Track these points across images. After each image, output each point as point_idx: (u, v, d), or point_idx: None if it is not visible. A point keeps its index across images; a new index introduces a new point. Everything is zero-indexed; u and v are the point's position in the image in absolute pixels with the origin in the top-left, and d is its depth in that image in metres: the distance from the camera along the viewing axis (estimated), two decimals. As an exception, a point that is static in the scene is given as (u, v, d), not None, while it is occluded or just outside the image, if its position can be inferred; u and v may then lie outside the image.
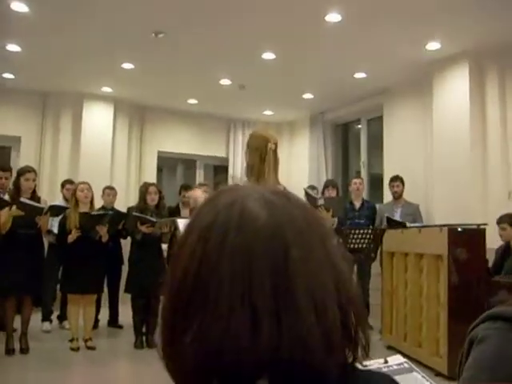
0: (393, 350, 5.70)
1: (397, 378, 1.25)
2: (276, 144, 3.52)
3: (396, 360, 1.51)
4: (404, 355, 4.32)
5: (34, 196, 5.69)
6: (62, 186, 7.22)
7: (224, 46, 6.70)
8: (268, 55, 6.98)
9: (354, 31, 6.14)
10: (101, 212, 6.07)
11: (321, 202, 5.91)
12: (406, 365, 1.50)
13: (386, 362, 1.47)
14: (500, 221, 5.56)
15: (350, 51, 6.77)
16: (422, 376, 1.48)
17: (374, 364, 1.35)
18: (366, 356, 0.81)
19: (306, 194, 6.40)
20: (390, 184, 7.26)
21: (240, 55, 7.04)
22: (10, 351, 5.47)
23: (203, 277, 0.70)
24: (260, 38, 6.45)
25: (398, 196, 7.16)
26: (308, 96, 8.83)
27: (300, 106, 9.41)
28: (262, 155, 3.45)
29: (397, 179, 7.19)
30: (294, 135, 10.48)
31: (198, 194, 5.52)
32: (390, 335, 5.96)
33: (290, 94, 8.72)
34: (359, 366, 0.78)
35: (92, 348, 5.79)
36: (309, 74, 7.72)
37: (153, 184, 6.51)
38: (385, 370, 1.41)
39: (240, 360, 0.67)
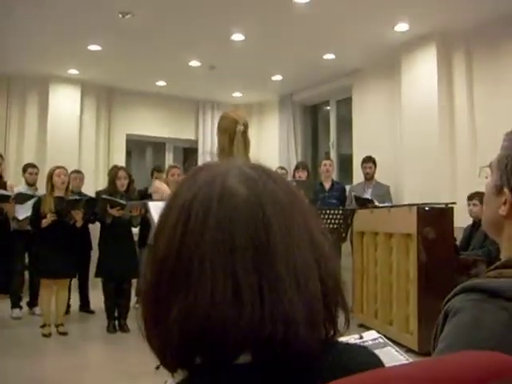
0: (364, 327, 5.78)
1: (371, 352, 1.28)
2: (246, 125, 3.50)
3: (371, 335, 1.55)
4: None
5: (1, 181, 5.61)
6: (24, 170, 7.06)
7: (193, 27, 6.63)
8: (237, 36, 6.94)
9: (322, 13, 6.13)
10: (76, 197, 5.98)
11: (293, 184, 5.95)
12: (380, 340, 1.53)
13: (361, 337, 1.50)
14: (471, 197, 5.62)
15: (318, 33, 6.76)
16: (396, 350, 1.51)
17: (349, 339, 1.37)
18: (347, 328, 0.82)
19: None
20: (362, 165, 7.32)
21: (209, 36, 6.97)
22: (-21, 338, 5.41)
23: (186, 252, 0.70)
24: (229, 19, 6.40)
25: (369, 177, 7.24)
26: (277, 78, 8.82)
27: (269, 87, 9.40)
28: (231, 136, 3.44)
29: (369, 160, 7.26)
30: (264, 117, 10.47)
31: (165, 188, 5.50)
32: (361, 313, 6.04)
33: (259, 75, 8.70)
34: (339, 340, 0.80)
35: (64, 333, 5.75)
36: (278, 55, 7.69)
37: (122, 168, 6.45)
38: (360, 345, 1.44)
39: (223, 334, 0.67)
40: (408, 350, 4.84)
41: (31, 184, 6.92)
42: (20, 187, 6.82)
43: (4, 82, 8.83)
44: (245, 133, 3.49)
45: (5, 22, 6.47)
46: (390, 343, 1.52)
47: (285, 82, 9.05)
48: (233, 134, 3.44)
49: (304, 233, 0.75)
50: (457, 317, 1.01)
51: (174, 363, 0.74)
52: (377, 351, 1.03)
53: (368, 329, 4.91)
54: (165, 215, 0.76)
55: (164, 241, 0.74)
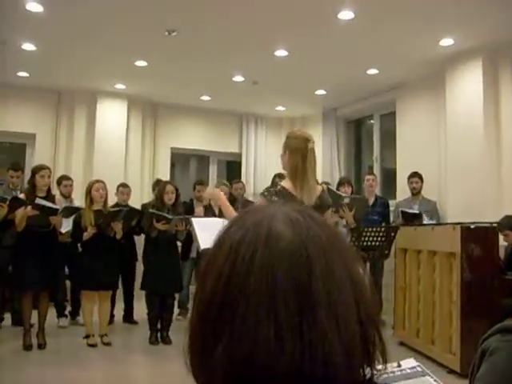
0: (405, 346, 5.72)
1: (409, 381, 1.29)
2: (314, 143, 3.57)
3: (409, 363, 1.54)
4: (416, 352, 4.40)
5: (49, 194, 5.76)
6: (59, 183, 7.19)
7: (237, 43, 6.73)
8: (281, 52, 7.00)
9: (366, 28, 6.14)
10: (115, 209, 6.11)
11: (346, 200, 5.89)
12: (418, 368, 1.53)
13: (399, 365, 1.50)
14: (500, 228, 5.33)
15: (362, 48, 6.77)
16: (435, 380, 1.50)
17: (387, 367, 1.38)
18: (384, 370, 0.83)
19: (330, 190, 6.38)
20: (408, 180, 7.26)
21: (253, 52, 7.06)
22: (27, 347, 5.56)
23: (232, 293, 0.73)
24: (273, 35, 6.47)
25: (416, 192, 7.18)
26: (320, 92, 8.84)
27: (312, 101, 9.42)
28: (303, 155, 3.50)
29: (415, 175, 7.21)
30: (307, 131, 10.45)
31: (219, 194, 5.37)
32: (402, 331, 5.97)
33: (303, 89, 8.73)
34: (376, 379, 0.81)
35: (108, 344, 5.87)
36: (321, 70, 7.72)
37: (170, 182, 6.55)
38: (398, 373, 1.45)
39: (265, 375, 0.70)
40: (450, 371, 4.78)
41: (66, 196, 7.08)
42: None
43: (54, 95, 9.11)
44: (313, 151, 3.54)
45: (55, 37, 6.69)
46: (429, 372, 1.51)
47: (328, 97, 9.06)
48: (305, 152, 3.50)
49: (345, 276, 0.76)
50: (493, 357, 1.02)
51: None
52: (414, 380, 1.04)
53: (409, 347, 4.88)
54: (213, 255, 0.79)
55: (211, 281, 0.76)
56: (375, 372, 0.79)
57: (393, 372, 1.45)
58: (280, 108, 10.01)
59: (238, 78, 8.16)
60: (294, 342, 0.70)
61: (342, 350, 0.71)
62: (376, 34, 6.29)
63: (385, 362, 0.81)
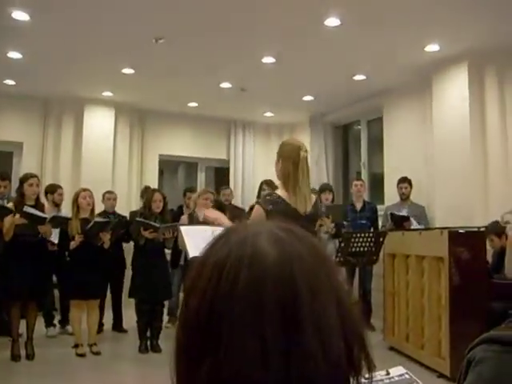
0: (395, 351, 5.75)
1: (398, 388, 1.30)
2: (307, 151, 3.62)
3: (397, 371, 1.55)
4: (406, 356, 4.43)
5: (38, 203, 5.74)
6: (52, 191, 7.14)
7: (224, 50, 6.73)
8: (268, 59, 7.02)
9: (353, 35, 6.17)
10: (104, 219, 6.08)
11: (323, 209, 6.00)
12: (406, 376, 1.54)
13: (388, 373, 1.51)
14: (486, 233, 5.38)
15: (349, 54, 6.81)
16: (422, 387, 1.52)
17: (376, 376, 1.38)
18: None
19: None
20: (398, 185, 7.31)
21: (240, 59, 7.07)
22: (15, 357, 5.51)
23: (216, 313, 0.72)
24: (260, 42, 6.48)
25: (405, 197, 7.24)
26: (308, 98, 8.86)
27: (300, 107, 9.44)
28: (295, 163, 3.53)
29: (405, 181, 7.26)
30: (295, 136, 10.49)
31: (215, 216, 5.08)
32: (392, 336, 6.00)
33: (291, 96, 8.76)
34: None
35: (97, 353, 5.83)
36: (309, 76, 7.74)
37: (158, 191, 6.54)
38: (387, 381, 1.46)
39: None
40: (440, 375, 4.80)
41: (58, 205, 7.05)
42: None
43: (41, 103, 9.07)
44: (306, 160, 3.57)
45: (41, 45, 6.67)
46: (416, 379, 1.53)
47: (316, 103, 9.09)
48: (297, 160, 3.53)
49: (330, 293, 0.76)
50: (479, 367, 1.03)
51: None
52: None
53: (399, 352, 4.91)
54: (197, 273, 0.78)
55: (195, 300, 0.75)
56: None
57: (382, 380, 1.46)
58: (268, 114, 10.03)
59: (226, 85, 8.17)
60: (280, 362, 0.69)
61: (328, 367, 0.71)
62: (362, 40, 6.32)
63: (370, 376, 0.81)
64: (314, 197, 3.69)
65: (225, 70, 7.56)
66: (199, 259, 0.80)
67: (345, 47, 6.56)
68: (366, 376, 0.81)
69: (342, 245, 5.55)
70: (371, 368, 0.80)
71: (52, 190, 7.20)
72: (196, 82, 8.04)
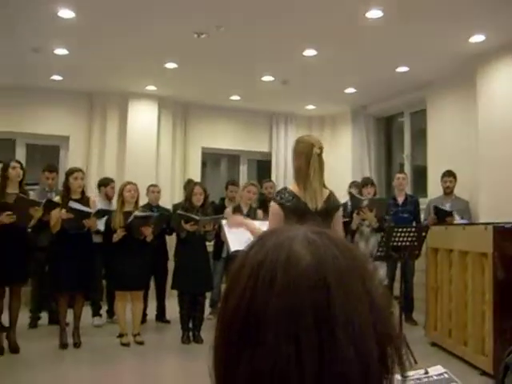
0: (437, 347, 5.69)
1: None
2: (321, 148, 3.64)
3: (436, 370, 1.55)
4: (448, 353, 4.38)
5: (84, 196, 5.88)
6: (106, 184, 7.35)
7: (265, 44, 6.75)
8: (309, 52, 7.00)
9: (395, 26, 6.10)
10: (146, 213, 6.16)
11: (365, 202, 5.99)
12: (445, 375, 1.54)
13: (426, 372, 1.51)
14: None
15: (391, 46, 6.73)
16: (461, 387, 1.51)
17: (415, 374, 1.39)
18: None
19: (351, 195, 6.44)
20: (442, 179, 7.14)
21: (281, 53, 7.08)
22: (63, 345, 5.70)
23: (253, 314, 0.75)
24: (301, 35, 6.47)
25: (449, 191, 7.08)
26: (350, 90, 8.81)
27: (342, 100, 9.39)
28: (307, 159, 3.59)
29: (450, 175, 7.08)
30: (336, 129, 10.45)
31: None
32: (434, 332, 5.93)
33: (332, 88, 8.72)
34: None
35: (141, 343, 5.97)
36: (350, 68, 7.70)
37: (198, 183, 6.61)
38: (425, 380, 1.46)
39: None
40: (483, 373, 4.73)
41: (111, 198, 7.22)
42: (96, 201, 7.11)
43: (87, 98, 9.27)
44: (320, 155, 3.61)
45: (87, 42, 6.81)
46: (456, 379, 1.52)
47: (358, 95, 9.03)
48: (309, 157, 3.58)
49: (363, 296, 0.78)
50: None
51: None
52: None
53: (441, 348, 4.85)
54: (235, 275, 0.81)
55: (233, 302, 0.79)
56: None
57: (419, 379, 1.47)
58: (310, 107, 10.01)
59: (268, 78, 8.19)
60: (313, 362, 0.72)
61: (360, 368, 0.73)
62: (405, 31, 6.24)
63: (404, 378, 0.82)
64: (326, 191, 3.69)
65: (267, 64, 7.58)
66: (238, 261, 0.84)
67: (387, 39, 6.49)
68: (403, 375, 0.82)
69: (384, 239, 5.52)
70: (404, 369, 0.81)
71: (105, 183, 7.37)
72: (238, 75, 8.09)
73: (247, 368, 0.75)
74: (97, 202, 6.49)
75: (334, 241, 0.82)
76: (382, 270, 6.02)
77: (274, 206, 3.60)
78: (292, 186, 3.69)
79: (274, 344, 0.73)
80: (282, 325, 0.74)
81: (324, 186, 3.70)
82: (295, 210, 3.51)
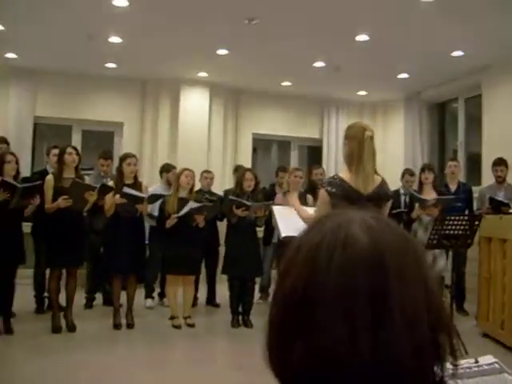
0: (488, 338, 5.60)
1: (486, 378, 1.30)
2: (372, 133, 3.61)
3: (487, 360, 1.54)
4: (500, 344, 4.31)
5: (136, 182, 6.00)
6: (168, 170, 7.45)
7: (317, 29, 6.71)
8: (362, 37, 6.94)
9: (449, 9, 5.97)
10: (201, 204, 6.18)
11: (432, 201, 5.96)
12: (496, 365, 1.52)
13: (476, 361, 1.50)
14: None
15: (446, 30, 6.59)
16: (513, 377, 1.49)
17: (464, 364, 1.39)
18: (453, 372, 0.85)
19: (413, 196, 6.38)
20: (493, 167, 6.92)
21: (333, 38, 7.03)
22: (117, 326, 5.87)
23: (310, 294, 0.77)
24: (353, 20, 6.41)
25: (501, 180, 6.87)
26: (403, 76, 8.67)
27: (394, 85, 9.26)
28: (359, 143, 3.56)
29: (501, 163, 6.82)
30: (389, 116, 10.32)
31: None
32: (486, 322, 5.83)
33: (384, 74, 8.60)
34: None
35: (191, 325, 6.08)
36: (404, 54, 7.58)
37: (249, 169, 6.66)
38: (475, 369, 1.45)
39: (339, 374, 0.74)
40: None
41: (171, 184, 7.34)
42: (156, 186, 7.25)
43: (139, 85, 9.43)
44: (372, 140, 3.58)
45: (140, 30, 6.92)
46: (507, 369, 1.51)
47: (411, 80, 8.88)
48: (361, 140, 3.56)
49: (418, 281, 0.79)
50: None
51: None
52: (492, 377, 1.05)
53: (492, 339, 4.76)
54: (292, 256, 0.83)
55: (290, 282, 0.80)
56: (445, 374, 0.81)
57: (469, 368, 1.46)
58: (362, 93, 9.91)
59: (319, 64, 8.15)
60: (367, 343, 0.73)
61: (413, 352, 0.75)
62: (460, 14, 6.10)
63: (455, 366, 0.82)
64: (378, 178, 3.65)
65: (318, 49, 7.55)
66: (294, 244, 0.85)
67: (441, 23, 6.35)
68: (453, 363, 0.83)
69: (436, 227, 5.44)
70: (456, 356, 0.82)
71: (167, 169, 7.47)
72: (290, 61, 8.07)
73: (302, 347, 0.76)
74: (158, 188, 6.63)
75: (390, 225, 0.84)
76: (441, 260, 5.95)
77: (322, 194, 3.58)
78: (343, 173, 3.67)
79: (329, 323, 0.75)
80: (338, 305, 0.75)
81: (376, 172, 3.68)
82: (345, 197, 3.49)
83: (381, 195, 3.65)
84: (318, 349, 0.75)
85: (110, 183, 6.02)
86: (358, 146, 3.55)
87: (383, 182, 3.70)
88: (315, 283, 0.77)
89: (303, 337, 0.77)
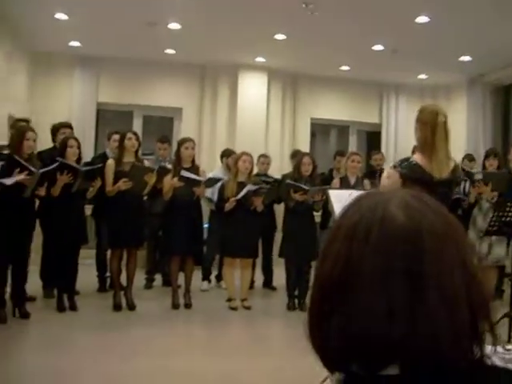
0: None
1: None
2: (446, 116, 3.55)
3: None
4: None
5: (194, 165, 6.10)
6: (227, 156, 7.51)
7: (376, 12, 6.61)
8: (422, 19, 6.79)
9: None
10: (258, 186, 6.23)
11: (479, 176, 5.76)
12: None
13: (508, 350, 1.48)
14: None
15: (510, 9, 6.36)
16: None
17: (499, 348, 1.37)
18: (494, 352, 0.84)
19: (463, 169, 6.23)
20: None
21: (392, 20, 6.91)
22: (175, 306, 6.02)
23: (348, 271, 0.80)
24: (413, 1, 6.28)
25: None
26: (465, 58, 8.43)
27: (456, 68, 9.01)
28: (432, 128, 3.53)
29: None
30: (451, 100, 10.05)
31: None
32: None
33: (446, 56, 8.38)
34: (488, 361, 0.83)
35: (248, 308, 6.17)
36: (466, 35, 7.36)
37: (307, 154, 6.66)
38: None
39: (375, 347, 0.77)
40: None
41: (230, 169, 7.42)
42: (216, 171, 7.35)
43: (199, 70, 9.54)
44: (445, 123, 3.54)
45: (198, 16, 7.00)
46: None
47: (474, 63, 8.62)
48: (434, 126, 3.52)
49: (456, 261, 0.80)
50: None
51: (331, 366, 0.85)
52: None
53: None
54: (332, 236, 0.86)
55: (330, 261, 0.83)
56: (484, 354, 0.82)
57: (508, 351, 1.44)
58: (422, 76, 9.69)
59: (378, 47, 8.03)
60: (404, 319, 0.76)
61: (449, 329, 0.76)
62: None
63: (494, 345, 0.84)
64: (452, 162, 3.60)
65: (377, 32, 7.43)
66: (335, 223, 0.88)
67: (506, 4, 6.14)
68: (506, 348, 0.85)
69: (496, 213, 5.30)
70: (496, 338, 0.83)
71: (228, 154, 7.53)
72: (348, 45, 7.99)
73: (339, 323, 0.79)
74: (218, 172, 6.84)
75: (430, 205, 0.84)
76: (499, 247, 5.80)
77: (394, 175, 3.55)
78: (416, 157, 3.64)
79: (366, 300, 0.77)
80: (376, 282, 0.77)
81: (450, 156, 3.63)
82: (418, 181, 3.46)
83: (453, 180, 3.62)
84: (354, 326, 0.77)
85: (168, 167, 6.14)
86: (431, 132, 3.53)
87: (456, 167, 3.67)
88: (353, 261, 0.80)
89: (340, 314, 0.79)
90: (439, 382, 0.77)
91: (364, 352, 0.78)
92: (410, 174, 3.46)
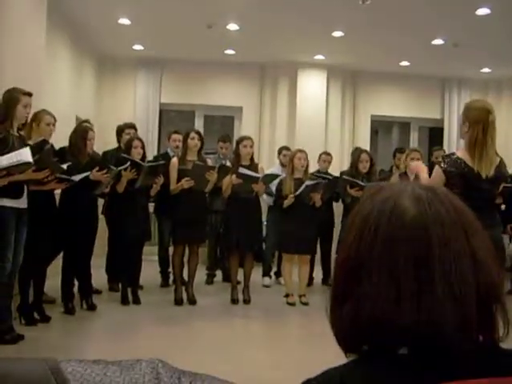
0: None
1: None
2: (495, 116, 3.53)
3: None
4: None
5: (252, 163, 6.20)
6: (279, 152, 7.66)
7: (434, 5, 6.53)
8: (483, 11, 6.66)
9: None
10: (316, 181, 6.27)
11: None
12: None
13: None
14: None
15: None
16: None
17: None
18: (506, 335, 0.86)
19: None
20: None
21: (452, 13, 6.81)
22: (234, 300, 6.14)
23: (359, 260, 0.86)
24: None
25: None
26: (531, 50, 8.20)
27: (522, 61, 8.76)
28: (484, 127, 3.47)
29: None
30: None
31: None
32: None
33: (510, 49, 8.15)
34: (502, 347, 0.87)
35: (305, 304, 6.21)
36: (530, 26, 7.16)
37: (365, 151, 6.66)
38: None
39: (385, 331, 0.82)
40: None
41: (284, 165, 7.50)
42: (274, 168, 7.44)
43: (257, 69, 9.66)
44: (494, 122, 3.50)
45: (257, 16, 7.11)
46: None
47: (540, 55, 8.36)
48: (486, 125, 3.48)
49: (464, 250, 0.83)
50: None
51: (346, 347, 0.91)
52: None
53: None
54: (348, 227, 0.92)
55: (344, 251, 0.90)
56: (497, 341, 0.86)
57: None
58: (485, 70, 9.46)
59: (438, 42, 7.92)
60: (411, 306, 0.80)
61: (456, 313, 0.80)
62: None
63: (507, 330, 0.86)
64: (497, 159, 3.54)
65: (436, 26, 7.35)
66: (352, 215, 0.94)
67: None
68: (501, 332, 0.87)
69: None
70: (507, 323, 0.86)
71: (279, 150, 7.66)
72: (407, 40, 7.91)
73: (351, 308, 0.86)
74: (276, 169, 6.92)
75: (440, 196, 0.89)
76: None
77: (438, 171, 3.54)
78: (461, 153, 3.58)
79: (376, 288, 0.83)
80: (384, 271, 0.83)
81: (496, 153, 3.59)
82: (462, 177, 3.44)
83: (499, 177, 3.57)
84: (364, 311, 0.83)
85: (229, 165, 6.27)
86: (483, 132, 3.46)
87: (501, 163, 3.61)
88: (364, 251, 0.86)
89: (351, 301, 0.86)
90: (445, 365, 0.81)
91: (373, 336, 0.84)
92: (454, 170, 3.43)
